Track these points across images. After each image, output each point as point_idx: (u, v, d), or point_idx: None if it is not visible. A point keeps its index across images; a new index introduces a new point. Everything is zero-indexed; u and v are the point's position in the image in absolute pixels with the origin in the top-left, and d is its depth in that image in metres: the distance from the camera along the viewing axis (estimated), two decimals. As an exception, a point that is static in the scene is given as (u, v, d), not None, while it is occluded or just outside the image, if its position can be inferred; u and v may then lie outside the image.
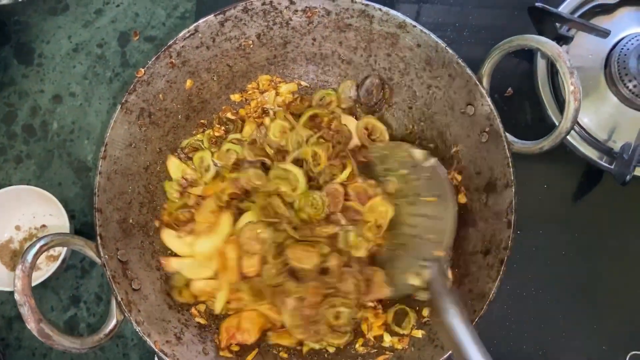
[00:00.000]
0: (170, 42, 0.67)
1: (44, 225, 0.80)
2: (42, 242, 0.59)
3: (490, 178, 0.66)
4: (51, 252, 0.77)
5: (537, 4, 0.74)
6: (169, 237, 0.71)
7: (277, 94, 0.76)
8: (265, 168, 0.72)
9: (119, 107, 0.66)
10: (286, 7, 0.70)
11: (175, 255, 0.71)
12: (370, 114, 0.75)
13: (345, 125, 0.73)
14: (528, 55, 0.80)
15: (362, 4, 0.68)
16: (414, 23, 0.67)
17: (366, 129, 0.74)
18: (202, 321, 0.69)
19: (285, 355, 0.68)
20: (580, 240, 0.78)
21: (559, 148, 0.64)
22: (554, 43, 0.61)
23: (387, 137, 0.74)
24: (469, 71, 0.65)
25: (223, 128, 0.75)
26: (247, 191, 0.71)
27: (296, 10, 0.70)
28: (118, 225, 0.67)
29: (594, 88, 0.76)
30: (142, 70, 0.67)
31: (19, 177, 0.82)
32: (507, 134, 0.64)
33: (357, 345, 0.68)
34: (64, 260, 0.74)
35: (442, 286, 0.62)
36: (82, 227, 0.80)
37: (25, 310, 0.56)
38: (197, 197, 0.73)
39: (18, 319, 0.78)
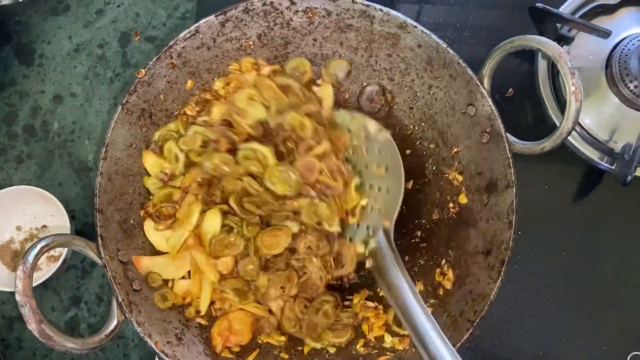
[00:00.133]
0: (171, 42, 0.67)
1: (44, 226, 0.80)
2: (43, 243, 0.59)
3: (491, 178, 0.66)
4: (52, 252, 0.77)
5: (537, 5, 0.73)
6: (149, 229, 0.69)
7: (258, 74, 0.73)
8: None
9: (119, 107, 0.66)
10: (287, 8, 0.70)
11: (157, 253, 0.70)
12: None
13: (313, 94, 0.72)
14: (529, 55, 0.80)
15: (363, 5, 0.68)
16: (414, 23, 0.67)
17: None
18: (203, 322, 0.69)
19: (286, 356, 0.68)
20: (582, 241, 0.78)
21: (560, 149, 0.64)
22: (554, 43, 0.61)
23: None
24: (469, 71, 0.65)
25: (197, 108, 0.73)
26: (217, 177, 0.69)
27: (297, 11, 0.70)
28: (119, 226, 0.67)
29: (595, 89, 0.76)
30: (143, 70, 0.67)
31: (20, 177, 0.82)
32: (508, 135, 0.64)
33: (358, 346, 0.68)
34: (64, 261, 0.74)
35: (389, 254, 0.64)
36: (83, 228, 0.80)
37: (26, 311, 0.56)
38: (182, 193, 0.70)
39: (19, 320, 0.78)
